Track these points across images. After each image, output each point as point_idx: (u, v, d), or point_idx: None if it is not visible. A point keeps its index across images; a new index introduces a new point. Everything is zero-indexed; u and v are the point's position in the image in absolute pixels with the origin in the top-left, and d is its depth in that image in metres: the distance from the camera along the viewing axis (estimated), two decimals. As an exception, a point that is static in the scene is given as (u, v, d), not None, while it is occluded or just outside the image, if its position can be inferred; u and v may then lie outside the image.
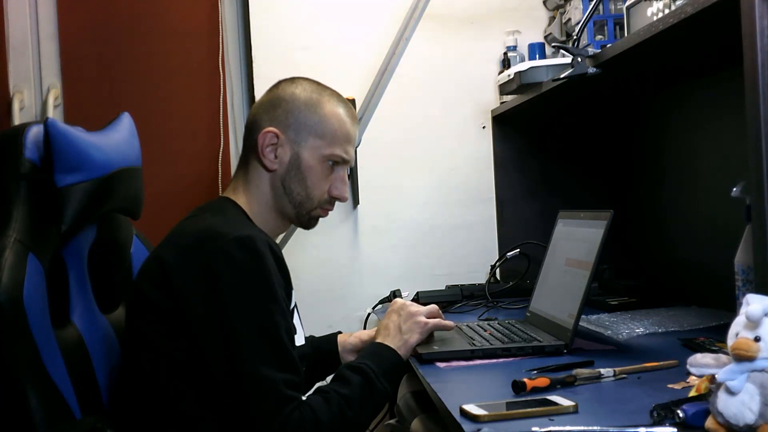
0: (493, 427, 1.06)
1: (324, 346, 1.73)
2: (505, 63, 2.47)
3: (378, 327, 1.60)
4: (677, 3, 1.35)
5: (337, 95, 1.56)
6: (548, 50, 2.43)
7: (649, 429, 0.98)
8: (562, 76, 1.75)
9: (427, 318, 1.58)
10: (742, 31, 1.02)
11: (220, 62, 2.61)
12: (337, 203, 1.58)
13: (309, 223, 1.56)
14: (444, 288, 2.36)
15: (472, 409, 1.11)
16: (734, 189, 1.32)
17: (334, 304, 2.49)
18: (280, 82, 1.56)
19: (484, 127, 2.56)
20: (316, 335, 1.79)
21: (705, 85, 1.95)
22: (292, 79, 1.56)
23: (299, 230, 2.41)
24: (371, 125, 2.47)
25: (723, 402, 0.90)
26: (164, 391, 1.32)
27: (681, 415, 0.96)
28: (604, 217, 1.55)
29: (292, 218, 1.54)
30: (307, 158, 1.50)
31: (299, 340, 1.48)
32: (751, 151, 1.00)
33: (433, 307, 1.63)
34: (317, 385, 1.58)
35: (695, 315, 1.83)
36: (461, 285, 2.34)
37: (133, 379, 1.38)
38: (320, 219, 1.57)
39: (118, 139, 1.52)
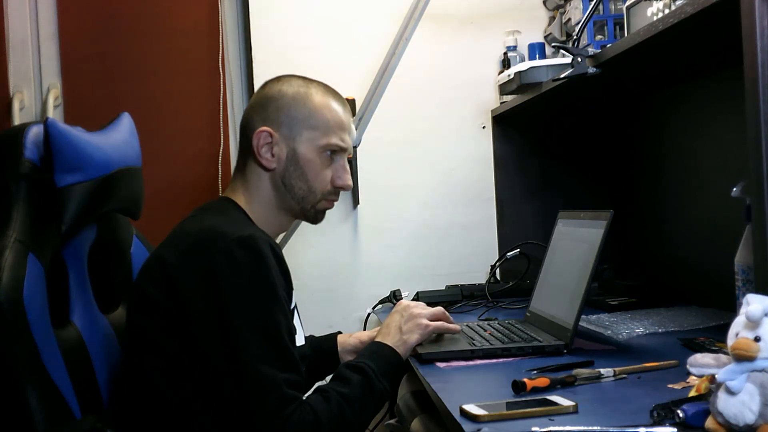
0: (493, 427, 1.06)
1: (324, 346, 1.74)
2: (505, 63, 2.47)
3: (380, 326, 1.61)
4: (677, 3, 1.35)
5: (324, 86, 1.55)
6: (548, 50, 2.42)
7: (649, 429, 0.97)
8: (562, 76, 1.75)
9: (432, 320, 1.58)
10: (742, 31, 1.02)
11: (220, 62, 2.61)
12: (338, 201, 1.58)
13: (316, 216, 1.56)
14: (444, 288, 2.36)
15: (472, 409, 1.11)
16: (734, 189, 1.32)
17: (334, 304, 2.49)
18: (266, 83, 1.57)
19: (484, 127, 2.56)
20: (316, 335, 1.79)
21: (705, 85, 1.95)
22: (278, 78, 1.56)
23: (299, 230, 2.43)
24: (371, 125, 2.47)
25: (723, 402, 0.90)
26: (165, 391, 1.32)
27: (681, 415, 0.96)
28: (604, 217, 1.55)
29: (297, 214, 1.54)
30: (304, 152, 1.50)
31: (299, 341, 1.48)
32: (751, 151, 1.00)
33: (439, 309, 1.62)
34: (317, 384, 1.58)
35: (695, 315, 1.83)
36: (461, 285, 2.34)
37: (133, 379, 1.38)
38: (324, 215, 1.57)
39: (118, 139, 1.53)
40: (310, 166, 1.50)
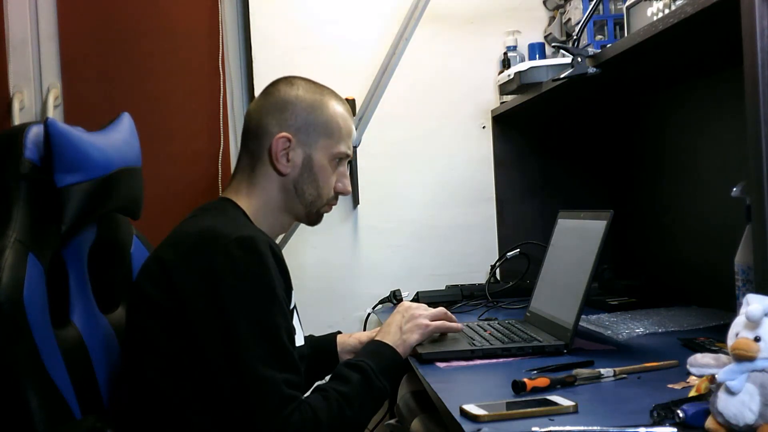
0: (493, 427, 1.06)
1: (323, 346, 1.74)
2: (505, 63, 2.47)
3: (381, 326, 1.61)
4: (677, 3, 1.35)
5: (334, 93, 1.58)
6: (548, 50, 2.43)
7: (649, 429, 0.97)
8: (562, 76, 1.75)
9: (432, 320, 1.58)
10: (742, 31, 1.02)
11: (220, 62, 2.61)
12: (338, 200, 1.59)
13: (317, 220, 1.58)
14: (444, 288, 2.36)
15: (472, 409, 1.11)
16: (734, 189, 1.32)
17: (334, 304, 2.49)
18: (277, 84, 1.56)
19: (484, 127, 2.56)
20: (316, 335, 1.78)
21: (705, 85, 1.95)
22: (289, 81, 1.56)
23: (299, 230, 2.43)
24: (371, 125, 2.47)
25: (723, 402, 0.90)
26: (164, 391, 1.32)
27: (681, 415, 0.96)
28: (604, 217, 1.55)
29: (300, 217, 1.56)
30: (319, 159, 1.51)
31: (298, 341, 1.48)
32: (751, 151, 1.00)
33: (441, 309, 1.62)
34: (316, 384, 1.58)
35: (695, 315, 1.83)
36: (461, 285, 2.34)
37: (133, 379, 1.38)
38: (322, 218, 1.59)
39: (118, 139, 1.52)
40: (322, 173, 1.52)
